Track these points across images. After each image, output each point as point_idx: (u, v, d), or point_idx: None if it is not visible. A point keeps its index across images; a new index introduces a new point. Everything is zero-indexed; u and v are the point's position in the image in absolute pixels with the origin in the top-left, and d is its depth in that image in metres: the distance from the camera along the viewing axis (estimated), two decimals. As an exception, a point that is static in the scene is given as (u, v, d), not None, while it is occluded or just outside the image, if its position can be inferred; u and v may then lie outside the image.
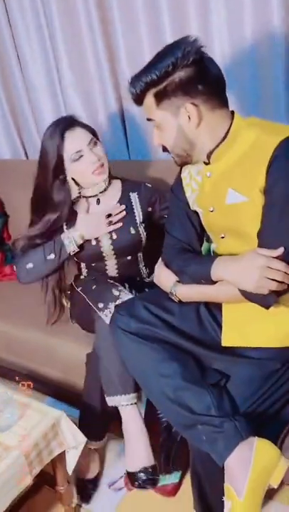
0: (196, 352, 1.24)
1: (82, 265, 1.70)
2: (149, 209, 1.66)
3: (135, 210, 1.64)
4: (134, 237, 1.62)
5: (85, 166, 1.52)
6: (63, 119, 1.58)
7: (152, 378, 1.22)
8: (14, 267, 1.65)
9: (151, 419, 1.47)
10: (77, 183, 1.57)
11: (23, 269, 1.60)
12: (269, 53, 1.61)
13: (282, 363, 1.19)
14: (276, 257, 1.05)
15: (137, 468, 1.38)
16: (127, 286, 1.51)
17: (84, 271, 1.72)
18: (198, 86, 1.10)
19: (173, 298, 1.27)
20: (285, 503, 1.44)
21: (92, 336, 1.61)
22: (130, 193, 1.65)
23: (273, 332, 1.18)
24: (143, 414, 1.45)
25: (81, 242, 1.58)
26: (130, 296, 1.44)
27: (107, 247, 1.61)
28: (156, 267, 1.37)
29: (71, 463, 1.39)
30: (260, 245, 1.10)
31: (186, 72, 1.09)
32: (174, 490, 1.53)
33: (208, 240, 1.37)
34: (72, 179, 1.56)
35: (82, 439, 1.36)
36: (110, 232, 1.60)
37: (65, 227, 1.61)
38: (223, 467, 1.08)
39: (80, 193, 1.60)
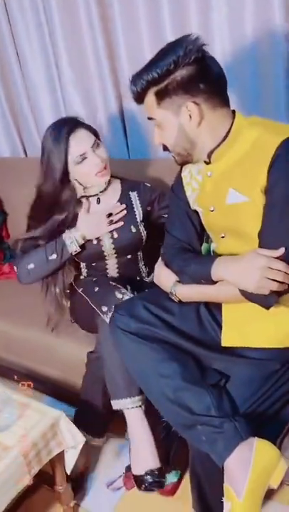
0: (195, 352, 1.24)
1: (82, 265, 1.70)
2: (148, 208, 1.66)
3: (135, 209, 1.64)
4: (135, 236, 1.62)
5: (88, 168, 1.51)
6: (66, 120, 1.55)
7: (152, 378, 1.21)
8: (15, 267, 1.63)
9: (150, 419, 1.47)
10: (79, 183, 1.56)
11: (24, 270, 1.59)
12: (270, 51, 1.61)
13: (281, 364, 1.19)
14: (277, 258, 1.05)
15: (143, 471, 1.38)
16: (129, 288, 1.51)
17: (84, 270, 1.71)
18: (199, 84, 1.10)
19: (173, 298, 1.26)
20: (284, 504, 1.44)
21: (92, 335, 1.61)
22: (130, 192, 1.65)
23: (273, 332, 1.18)
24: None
25: (83, 242, 1.58)
26: None
27: (108, 246, 1.61)
28: (156, 266, 1.36)
29: (70, 463, 1.39)
30: (260, 245, 1.09)
31: (187, 71, 1.09)
32: (173, 489, 1.53)
33: (208, 241, 1.37)
34: (75, 180, 1.55)
35: (81, 438, 1.36)
36: (111, 231, 1.60)
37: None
38: (223, 468, 1.08)
39: (84, 191, 1.59)
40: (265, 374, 1.18)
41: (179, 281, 1.25)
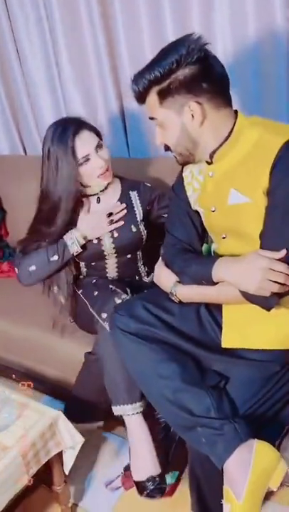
0: (195, 353, 1.24)
1: (81, 264, 1.69)
2: (148, 208, 1.65)
3: (135, 209, 1.63)
4: (135, 235, 1.62)
5: (91, 170, 1.50)
6: (70, 121, 1.53)
7: (151, 379, 1.21)
8: (16, 268, 1.62)
9: (148, 419, 1.46)
10: (80, 183, 1.55)
11: (25, 272, 1.58)
12: (272, 52, 1.60)
13: (281, 365, 1.19)
14: (278, 259, 1.04)
15: (144, 477, 1.39)
16: (128, 290, 1.50)
17: (83, 270, 1.70)
18: (202, 84, 1.09)
19: (173, 298, 1.26)
20: (284, 504, 1.44)
21: (91, 335, 1.60)
22: (130, 192, 1.65)
23: (274, 334, 1.18)
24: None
25: (84, 242, 1.57)
26: None
27: (108, 246, 1.60)
28: (156, 266, 1.36)
29: (68, 463, 1.39)
30: (262, 247, 1.09)
31: (190, 70, 1.08)
32: (171, 490, 1.52)
33: (208, 241, 1.36)
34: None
35: (79, 439, 1.35)
36: (111, 231, 1.60)
37: None
38: (222, 470, 1.08)
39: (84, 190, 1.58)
40: (265, 375, 1.18)
41: (179, 282, 1.25)
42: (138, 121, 1.95)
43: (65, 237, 1.56)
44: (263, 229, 1.09)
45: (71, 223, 1.57)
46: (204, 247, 1.36)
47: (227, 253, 1.21)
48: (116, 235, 1.60)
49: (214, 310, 1.26)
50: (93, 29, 1.91)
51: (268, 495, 1.16)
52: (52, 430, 1.31)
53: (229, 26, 1.64)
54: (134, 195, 1.64)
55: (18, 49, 2.15)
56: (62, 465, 1.40)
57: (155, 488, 1.38)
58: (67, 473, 1.42)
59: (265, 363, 1.18)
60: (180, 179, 1.33)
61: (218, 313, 1.25)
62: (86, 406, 1.60)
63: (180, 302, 1.26)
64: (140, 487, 1.39)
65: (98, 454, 1.70)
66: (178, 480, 1.53)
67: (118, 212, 1.59)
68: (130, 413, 1.41)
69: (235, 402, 1.15)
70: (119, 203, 1.62)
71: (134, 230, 1.61)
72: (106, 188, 1.59)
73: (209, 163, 1.21)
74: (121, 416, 1.44)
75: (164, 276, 1.29)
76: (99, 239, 1.60)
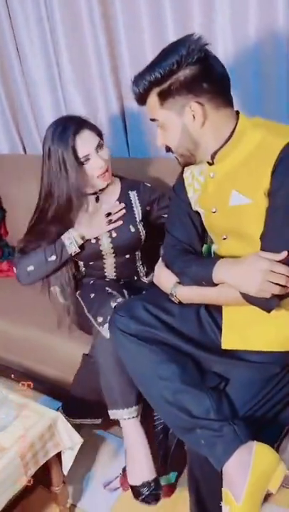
0: (195, 354, 1.23)
1: (80, 263, 1.69)
2: (148, 208, 1.65)
3: (134, 208, 1.63)
4: (133, 235, 1.61)
5: (90, 170, 1.50)
6: (71, 119, 1.51)
7: (151, 380, 1.20)
8: (14, 268, 1.62)
9: (146, 422, 1.46)
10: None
11: (23, 272, 1.57)
12: (272, 53, 1.60)
13: (281, 367, 1.18)
14: (279, 261, 1.04)
15: (139, 483, 1.39)
16: (125, 292, 1.50)
17: (82, 269, 1.70)
18: (203, 84, 1.09)
19: (173, 299, 1.26)
20: (282, 506, 1.44)
21: (89, 336, 1.60)
22: (129, 192, 1.64)
23: (274, 336, 1.17)
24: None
25: (82, 242, 1.57)
26: None
27: (106, 246, 1.60)
28: (156, 267, 1.35)
29: (67, 464, 1.38)
30: (263, 248, 1.08)
31: (190, 70, 1.07)
32: (170, 491, 1.52)
33: (207, 242, 1.36)
34: None
35: (78, 439, 1.35)
36: (110, 231, 1.59)
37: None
38: (222, 471, 1.07)
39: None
40: (265, 377, 1.17)
41: (179, 283, 1.24)
42: (138, 121, 1.95)
43: (62, 237, 1.55)
44: (263, 230, 1.09)
45: (70, 222, 1.56)
46: (204, 247, 1.36)
47: (227, 254, 1.20)
48: (114, 234, 1.60)
49: (214, 311, 1.26)
50: (94, 29, 1.90)
51: (267, 496, 1.16)
52: (51, 431, 1.30)
53: (230, 26, 1.64)
54: (133, 195, 1.63)
55: (19, 48, 2.14)
56: (60, 466, 1.40)
57: (150, 494, 1.38)
58: (65, 474, 1.41)
59: (265, 365, 1.18)
60: (181, 180, 1.33)
61: (218, 315, 1.24)
62: (84, 405, 1.59)
63: (180, 303, 1.26)
64: (135, 492, 1.39)
65: (97, 455, 1.70)
66: (177, 481, 1.53)
67: (117, 212, 1.58)
68: (126, 417, 1.41)
69: (235, 404, 1.15)
70: (118, 202, 1.61)
71: (132, 230, 1.60)
72: (105, 187, 1.58)
73: (210, 164, 1.20)
74: (117, 420, 1.43)
75: (164, 277, 1.29)
76: (97, 238, 1.59)
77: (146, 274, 1.72)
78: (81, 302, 1.58)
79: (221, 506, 1.07)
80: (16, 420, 1.31)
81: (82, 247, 1.58)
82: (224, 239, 1.23)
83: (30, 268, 1.56)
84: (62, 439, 1.33)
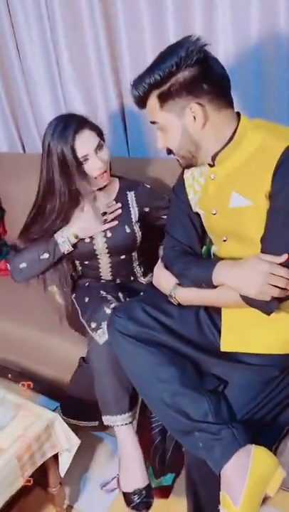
0: (194, 356, 1.23)
1: (77, 262, 1.68)
2: (146, 209, 1.63)
3: (131, 209, 1.61)
4: (128, 236, 1.59)
5: (89, 170, 1.48)
6: (72, 118, 1.49)
7: (150, 383, 1.20)
8: (8, 265, 1.61)
9: (144, 421, 1.46)
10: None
11: (16, 269, 1.57)
12: (273, 53, 1.59)
13: (280, 370, 1.18)
14: (279, 264, 1.03)
15: (131, 489, 1.38)
16: (121, 295, 1.49)
17: (78, 268, 1.69)
18: (203, 85, 1.08)
19: (172, 301, 1.25)
20: (280, 508, 1.44)
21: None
22: (127, 192, 1.62)
23: (273, 338, 1.17)
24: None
25: (75, 241, 1.55)
26: None
27: (100, 245, 1.59)
28: (155, 268, 1.34)
29: (64, 465, 1.38)
30: (263, 251, 1.08)
31: (190, 72, 1.07)
32: (167, 492, 1.52)
33: (207, 243, 1.35)
34: None
35: (76, 441, 1.35)
36: (105, 230, 1.57)
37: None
38: (220, 475, 1.07)
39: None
40: (264, 380, 1.17)
41: (178, 284, 1.24)
42: (138, 120, 1.94)
43: (56, 235, 1.54)
44: (264, 233, 1.09)
45: (66, 220, 1.55)
46: (203, 248, 1.35)
47: (227, 256, 1.20)
48: (109, 234, 1.58)
49: (213, 313, 1.25)
50: (94, 28, 1.89)
51: (265, 499, 1.15)
52: (48, 432, 1.30)
53: (231, 27, 1.63)
54: (131, 195, 1.62)
55: (19, 46, 2.13)
56: (57, 467, 1.39)
57: (141, 502, 1.37)
58: (62, 476, 1.41)
59: (265, 368, 1.17)
60: (181, 181, 1.32)
61: (217, 317, 1.24)
62: (81, 407, 1.59)
63: (179, 305, 1.25)
64: (127, 499, 1.38)
65: (94, 455, 1.70)
66: (174, 482, 1.53)
67: (112, 212, 1.57)
68: (119, 424, 1.40)
69: (234, 407, 1.14)
70: (114, 202, 1.59)
71: (128, 230, 1.59)
72: (104, 186, 1.57)
73: (211, 166, 1.20)
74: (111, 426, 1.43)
75: (163, 279, 1.28)
76: (91, 238, 1.58)
77: (144, 275, 1.71)
78: (76, 305, 1.57)
79: (218, 510, 1.06)
80: (14, 421, 1.31)
81: (76, 245, 1.57)
82: (224, 241, 1.22)
83: (23, 265, 1.56)
84: (59, 440, 1.33)
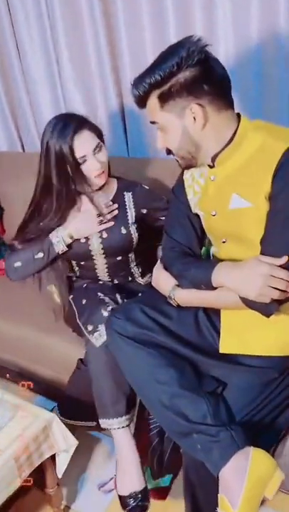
0: (193, 358, 1.22)
1: (73, 263, 1.67)
2: (144, 211, 1.61)
3: (128, 210, 1.60)
4: (124, 237, 1.58)
5: (86, 171, 1.47)
6: (72, 118, 1.48)
7: (148, 384, 1.19)
8: (4, 263, 1.61)
9: (142, 422, 1.45)
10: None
11: (11, 268, 1.57)
12: (274, 54, 1.59)
13: (279, 372, 1.17)
14: (279, 266, 1.03)
15: (127, 493, 1.37)
16: (118, 297, 1.49)
17: (75, 269, 1.69)
18: (203, 86, 1.07)
19: (171, 302, 1.25)
20: (279, 510, 1.44)
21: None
22: (125, 192, 1.61)
23: (273, 340, 1.17)
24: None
25: (70, 241, 1.54)
26: None
27: (96, 246, 1.58)
28: (154, 269, 1.34)
29: (62, 466, 1.37)
30: (263, 252, 1.08)
31: (191, 72, 1.06)
32: (165, 493, 1.52)
33: (206, 244, 1.35)
34: None
35: (73, 442, 1.35)
36: (101, 231, 1.57)
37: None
38: (218, 477, 1.06)
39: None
40: (263, 382, 1.16)
41: (178, 286, 1.23)
42: (138, 120, 1.93)
43: (51, 235, 1.53)
44: (264, 234, 1.08)
45: (63, 219, 1.54)
46: (203, 250, 1.35)
47: (227, 257, 1.19)
48: (105, 235, 1.57)
49: (212, 315, 1.25)
50: (94, 27, 1.88)
51: (263, 501, 1.15)
52: (45, 433, 1.30)
53: (231, 27, 1.62)
54: (128, 196, 1.61)
55: (18, 45, 2.12)
56: (55, 467, 1.39)
57: (136, 506, 1.36)
58: (60, 477, 1.40)
59: (264, 370, 1.17)
60: (180, 182, 1.32)
61: (216, 318, 1.23)
62: (78, 407, 1.58)
63: (178, 306, 1.25)
64: (123, 502, 1.38)
65: (91, 456, 1.69)
66: (172, 483, 1.53)
67: (109, 213, 1.56)
68: (116, 427, 1.40)
69: (232, 409, 1.14)
70: (111, 202, 1.58)
71: (123, 231, 1.57)
72: (101, 187, 1.56)
73: (211, 167, 1.19)
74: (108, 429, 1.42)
75: (162, 280, 1.28)
76: (87, 238, 1.57)
77: (142, 275, 1.71)
78: (73, 307, 1.57)
79: (217, 512, 1.06)
80: (12, 421, 1.30)
81: (71, 246, 1.56)
82: (223, 242, 1.22)
83: (18, 264, 1.55)
84: (57, 440, 1.32)
